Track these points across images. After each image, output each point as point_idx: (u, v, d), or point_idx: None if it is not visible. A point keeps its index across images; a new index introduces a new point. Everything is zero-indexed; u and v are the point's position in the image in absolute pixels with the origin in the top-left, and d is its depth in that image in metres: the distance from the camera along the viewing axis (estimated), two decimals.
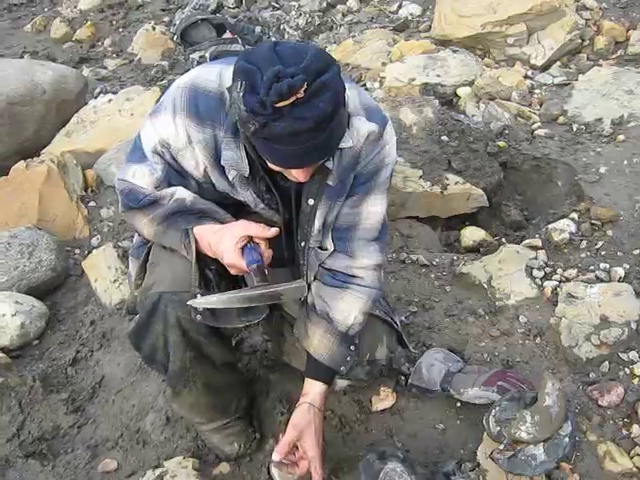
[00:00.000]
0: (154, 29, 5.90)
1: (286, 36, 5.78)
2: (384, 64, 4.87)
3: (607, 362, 2.52)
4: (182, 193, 1.86)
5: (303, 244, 1.98)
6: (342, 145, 1.73)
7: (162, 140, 1.82)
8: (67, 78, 4.54)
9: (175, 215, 1.87)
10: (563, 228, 3.14)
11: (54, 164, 3.61)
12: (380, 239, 2.04)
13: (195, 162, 1.84)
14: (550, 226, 3.20)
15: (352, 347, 2.09)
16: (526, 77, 4.64)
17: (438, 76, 4.49)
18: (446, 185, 3.38)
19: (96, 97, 4.66)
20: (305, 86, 1.46)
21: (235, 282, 1.97)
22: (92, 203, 3.68)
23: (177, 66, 5.48)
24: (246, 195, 1.89)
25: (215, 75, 1.78)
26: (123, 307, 2.96)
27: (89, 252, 3.34)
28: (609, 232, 3.13)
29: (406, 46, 5.06)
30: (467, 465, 2.20)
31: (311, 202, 1.88)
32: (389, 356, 2.30)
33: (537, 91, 4.47)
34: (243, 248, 1.81)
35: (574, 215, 3.26)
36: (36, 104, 4.25)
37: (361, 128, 1.81)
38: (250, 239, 1.82)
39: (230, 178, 1.84)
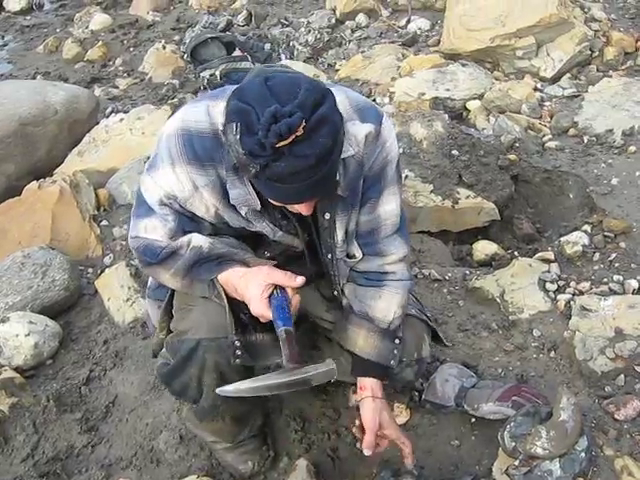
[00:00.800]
0: (164, 48, 5.94)
1: (295, 53, 5.81)
2: (393, 79, 4.88)
3: (622, 375, 2.50)
4: (198, 240, 1.82)
5: (330, 256, 1.96)
6: (344, 155, 1.69)
7: (167, 193, 1.77)
8: (79, 98, 4.57)
9: (195, 266, 1.84)
10: (576, 240, 3.13)
11: (66, 184, 3.63)
12: (401, 229, 2.01)
13: (205, 207, 1.79)
14: (563, 239, 3.19)
15: (397, 340, 2.08)
16: (536, 89, 4.64)
17: (448, 90, 4.50)
18: (457, 199, 3.38)
19: (107, 116, 4.70)
20: (303, 123, 1.42)
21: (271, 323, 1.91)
22: (104, 222, 3.69)
23: (187, 84, 5.50)
24: (263, 227, 1.85)
25: (203, 114, 1.72)
26: (136, 326, 2.98)
27: (102, 271, 3.36)
28: (622, 244, 3.12)
29: (415, 61, 5.07)
30: None
31: (327, 216, 1.85)
32: (431, 353, 2.32)
33: (547, 103, 4.47)
34: (270, 296, 1.80)
35: (586, 227, 3.25)
36: (48, 124, 4.28)
37: (358, 133, 1.77)
38: (276, 286, 1.81)
39: (243, 214, 1.80)
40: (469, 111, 4.44)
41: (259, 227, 1.85)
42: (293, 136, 1.41)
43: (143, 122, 4.34)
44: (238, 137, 1.46)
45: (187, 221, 1.83)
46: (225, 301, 1.86)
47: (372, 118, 1.81)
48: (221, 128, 1.64)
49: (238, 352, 1.86)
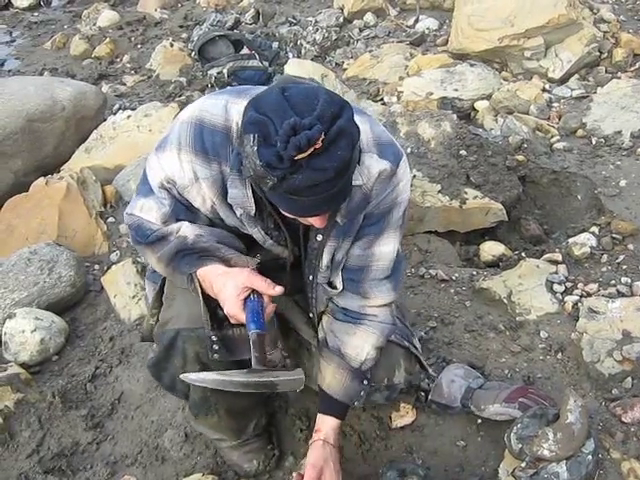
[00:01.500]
0: (172, 45, 5.93)
1: (303, 51, 5.80)
2: (401, 78, 4.88)
3: (630, 378, 2.49)
4: (185, 230, 1.80)
5: (311, 278, 1.95)
6: (353, 183, 1.65)
7: (167, 177, 1.77)
8: (86, 94, 4.57)
9: (178, 255, 1.83)
10: (584, 242, 3.13)
11: (73, 180, 3.63)
12: (393, 276, 1.98)
13: (202, 199, 1.78)
14: (570, 240, 3.18)
15: (365, 382, 2.08)
16: (544, 90, 4.63)
17: (456, 90, 4.49)
18: (465, 199, 3.37)
19: (115, 113, 4.70)
20: (323, 136, 1.40)
21: None
22: (111, 219, 3.69)
23: (195, 82, 5.50)
24: (254, 232, 1.84)
25: (221, 108, 1.72)
26: (142, 322, 2.96)
27: (108, 268, 3.35)
28: (630, 246, 3.11)
29: (423, 60, 5.07)
30: None
31: (319, 238, 1.83)
32: (408, 379, 2.27)
33: (555, 104, 4.47)
34: (245, 299, 1.78)
35: (594, 229, 3.24)
36: (56, 120, 4.28)
37: (372, 166, 1.74)
38: (253, 290, 1.79)
39: (237, 215, 1.80)
40: (477, 111, 4.44)
41: (251, 231, 1.84)
42: (312, 149, 1.39)
43: (150, 119, 4.34)
44: (255, 149, 1.43)
45: (183, 209, 1.82)
46: (200, 296, 1.84)
47: (391, 156, 1.78)
48: (234, 127, 1.66)
49: (215, 347, 1.87)
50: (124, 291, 3.11)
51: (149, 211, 1.82)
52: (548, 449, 2.06)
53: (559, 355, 2.66)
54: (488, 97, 4.49)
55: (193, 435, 2.48)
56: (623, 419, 2.38)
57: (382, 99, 4.61)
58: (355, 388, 2.06)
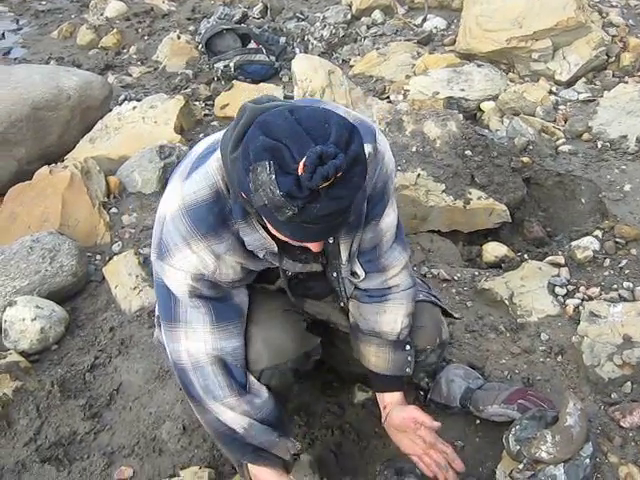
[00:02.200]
0: (179, 38, 5.92)
1: (310, 47, 5.79)
2: (408, 77, 4.86)
3: (630, 383, 2.48)
4: (233, 421, 1.88)
5: (335, 275, 1.96)
6: None
7: (194, 275, 1.72)
8: (92, 84, 4.56)
9: (226, 438, 1.95)
10: (586, 246, 3.12)
11: (77, 170, 3.63)
12: (398, 238, 2.00)
13: (232, 270, 1.76)
14: (573, 243, 3.18)
15: (408, 347, 2.11)
16: (551, 93, 4.61)
17: (462, 90, 4.48)
18: (469, 200, 3.36)
19: (120, 104, 4.68)
20: (345, 164, 1.36)
21: None
22: (114, 210, 3.69)
23: (201, 75, 5.49)
24: (283, 264, 1.84)
25: (199, 180, 1.65)
26: (143, 314, 2.98)
27: (110, 258, 3.35)
28: (633, 251, 3.11)
29: (430, 59, 5.05)
30: None
31: (331, 240, 1.83)
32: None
33: (562, 107, 4.45)
34: None
35: (598, 233, 3.24)
36: (61, 109, 4.27)
37: None
38: None
39: (261, 256, 1.77)
40: (483, 112, 4.43)
41: (280, 265, 1.84)
42: (333, 177, 1.35)
43: (156, 111, 4.33)
44: (273, 177, 1.35)
45: (219, 306, 1.82)
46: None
47: (368, 135, 1.73)
48: (221, 184, 1.62)
49: None
50: (125, 282, 3.11)
51: (195, 336, 1.81)
52: (546, 451, 2.05)
53: (559, 358, 2.65)
54: (494, 98, 4.47)
55: (191, 428, 2.48)
56: (622, 424, 2.38)
57: (388, 97, 4.59)
58: (401, 358, 2.09)
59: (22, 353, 2.81)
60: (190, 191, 1.65)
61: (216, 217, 1.65)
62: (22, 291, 3.02)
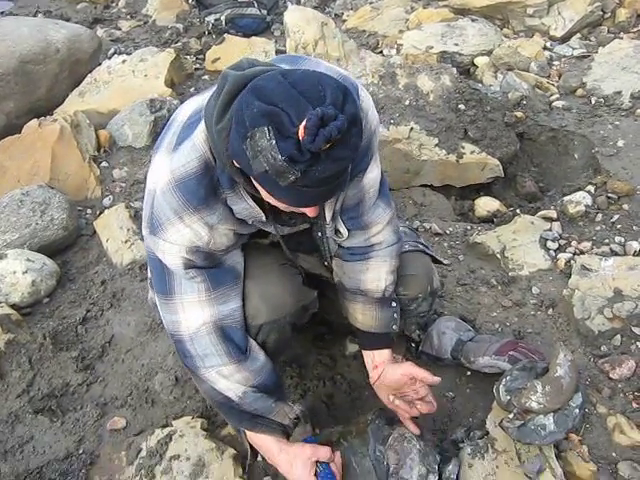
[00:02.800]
0: None
1: (302, 1, 5.71)
2: (401, 32, 4.82)
3: (619, 336, 2.50)
4: (228, 389, 1.89)
5: (320, 234, 1.96)
6: None
7: (188, 248, 1.70)
8: (81, 37, 4.49)
9: (223, 406, 1.97)
10: (579, 200, 3.12)
11: (67, 123, 3.58)
12: (382, 193, 1.96)
13: (226, 237, 1.75)
14: (565, 198, 3.18)
15: (393, 303, 2.10)
16: (545, 48, 4.59)
17: (456, 45, 4.44)
18: (462, 154, 3.35)
19: (110, 58, 4.62)
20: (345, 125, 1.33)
21: None
22: (104, 163, 3.66)
23: (192, 29, 5.41)
24: (271, 229, 1.84)
25: (187, 152, 1.62)
26: (134, 267, 2.97)
27: (101, 212, 3.33)
28: (625, 206, 3.11)
29: (424, 14, 5.00)
30: (476, 433, 2.19)
31: None
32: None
33: (556, 63, 4.43)
34: (315, 474, 1.92)
35: (590, 188, 3.24)
36: (49, 63, 4.21)
37: None
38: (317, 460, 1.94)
39: (250, 222, 1.77)
40: (477, 67, 4.40)
41: (268, 229, 1.84)
42: (334, 139, 1.32)
43: (146, 64, 4.28)
44: (274, 142, 1.32)
45: (214, 273, 1.80)
46: (249, 448, 2.11)
47: None
48: (209, 155, 1.58)
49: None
50: (117, 235, 3.09)
51: (191, 307, 1.80)
52: (536, 401, 2.07)
53: (550, 311, 2.67)
54: (488, 53, 4.44)
55: (183, 379, 2.49)
56: (611, 375, 2.40)
57: (381, 52, 4.55)
58: (387, 315, 2.09)
59: (13, 306, 2.80)
60: (179, 164, 1.61)
61: (206, 189, 1.62)
62: (13, 244, 3.01)
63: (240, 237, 1.83)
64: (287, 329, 1.97)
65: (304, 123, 1.30)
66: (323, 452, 1.92)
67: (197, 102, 1.68)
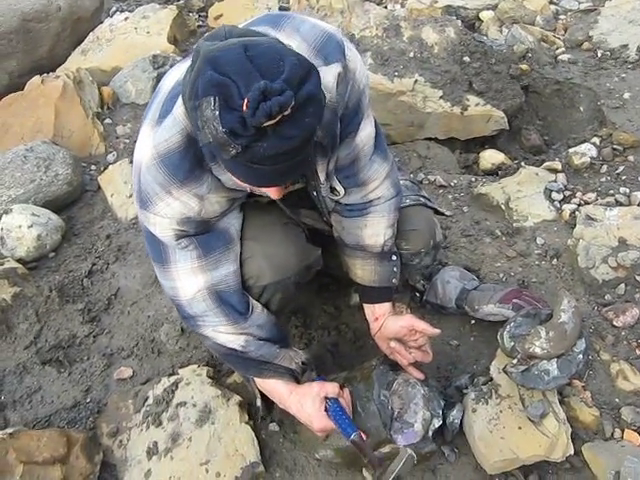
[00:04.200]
0: None
1: None
2: None
3: (623, 285, 2.51)
4: (228, 341, 1.89)
5: (315, 194, 1.93)
6: None
7: (179, 220, 1.67)
8: None
9: (229, 356, 1.97)
10: (584, 152, 3.11)
11: (70, 79, 3.57)
12: (378, 148, 1.92)
13: (218, 204, 1.71)
14: (571, 150, 3.16)
15: (393, 257, 2.10)
16: (551, 2, 4.52)
17: None
18: (466, 106, 3.33)
19: (111, 16, 4.58)
20: (293, 102, 1.28)
21: None
22: (108, 120, 3.65)
23: None
24: (262, 194, 1.79)
25: (169, 127, 1.57)
26: (138, 221, 2.97)
27: (105, 168, 3.33)
28: (630, 157, 3.10)
29: None
30: (480, 379, 2.21)
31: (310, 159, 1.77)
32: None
33: (562, 16, 4.38)
34: (325, 410, 1.92)
35: (595, 140, 3.22)
36: (51, 21, 4.18)
37: (326, 79, 1.60)
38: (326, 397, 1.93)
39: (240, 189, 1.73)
40: (482, 21, 4.33)
41: (259, 193, 1.79)
42: (280, 115, 1.27)
43: (149, 21, 4.24)
44: (217, 113, 1.28)
45: (205, 239, 1.77)
46: (258, 394, 2.15)
47: (336, 54, 1.65)
48: (190, 128, 1.54)
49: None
50: (121, 190, 3.10)
51: (186, 275, 1.79)
52: (540, 347, 2.08)
53: (554, 261, 2.67)
54: (494, 7, 4.37)
55: (189, 330, 2.50)
56: (614, 323, 2.42)
57: (386, 7, 4.49)
58: (387, 270, 2.08)
59: (19, 260, 2.82)
60: (162, 139, 1.57)
61: (191, 162, 1.59)
62: (18, 200, 3.02)
63: (235, 201, 1.80)
64: (291, 288, 1.97)
65: (247, 96, 1.26)
66: (331, 388, 1.93)
67: (181, 71, 1.63)
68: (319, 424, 1.91)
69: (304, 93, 1.30)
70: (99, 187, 3.24)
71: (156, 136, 1.58)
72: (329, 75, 1.62)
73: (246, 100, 1.25)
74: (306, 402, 1.92)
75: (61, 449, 2.06)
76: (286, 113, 1.27)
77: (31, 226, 2.84)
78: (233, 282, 1.84)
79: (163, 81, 1.70)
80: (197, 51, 1.39)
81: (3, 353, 2.53)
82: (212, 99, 1.28)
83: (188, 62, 1.47)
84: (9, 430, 2.09)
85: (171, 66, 3.61)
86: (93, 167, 3.41)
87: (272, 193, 1.56)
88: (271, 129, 1.28)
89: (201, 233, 1.76)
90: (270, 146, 1.31)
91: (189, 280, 1.79)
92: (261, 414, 2.21)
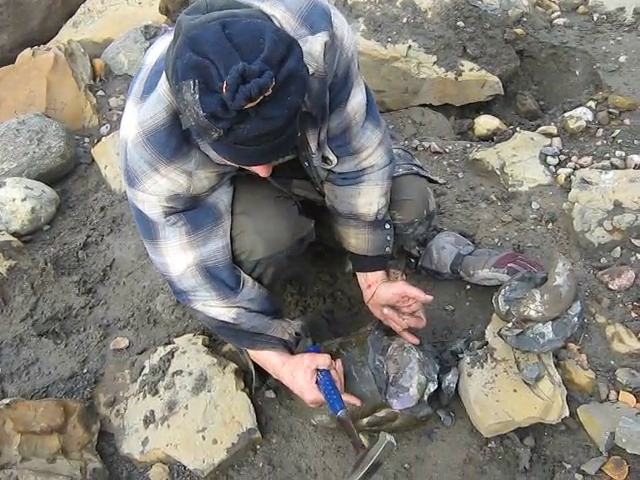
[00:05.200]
0: None
1: None
2: None
3: (619, 247, 2.50)
4: (219, 314, 1.88)
5: (307, 164, 1.91)
6: None
7: (167, 197, 1.65)
8: None
9: (221, 329, 1.97)
10: (579, 116, 3.09)
11: (61, 52, 3.54)
12: (370, 114, 1.89)
13: (207, 180, 1.69)
14: (566, 114, 3.14)
15: (387, 225, 2.09)
16: None
17: None
18: (461, 71, 3.30)
19: None
20: (273, 82, 1.24)
21: None
22: (100, 92, 3.62)
23: None
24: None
25: (154, 104, 1.53)
26: None
27: (98, 141, 3.31)
28: (627, 121, 3.08)
29: None
30: (475, 343, 2.22)
31: (298, 134, 1.68)
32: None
33: None
34: (316, 382, 1.92)
35: (591, 104, 3.20)
36: None
37: (313, 48, 1.57)
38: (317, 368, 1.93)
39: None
40: None
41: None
42: (261, 97, 1.24)
43: None
44: (197, 97, 1.26)
45: (194, 214, 1.75)
46: (251, 365, 2.17)
47: (322, 23, 1.60)
48: (175, 103, 1.49)
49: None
50: (115, 162, 3.07)
51: (175, 251, 1.77)
52: (535, 310, 2.08)
53: (550, 225, 2.66)
54: None
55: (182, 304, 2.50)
56: (610, 286, 2.42)
57: None
58: (380, 238, 2.08)
59: (15, 234, 2.81)
60: (147, 116, 1.53)
61: (178, 138, 1.56)
62: (11, 173, 3.00)
63: (224, 175, 1.78)
64: (284, 262, 1.96)
65: (226, 79, 1.23)
66: (322, 359, 1.93)
67: (164, 44, 1.58)
68: (310, 396, 1.92)
69: (285, 71, 1.27)
70: (93, 159, 3.22)
71: (141, 113, 1.55)
72: (316, 45, 1.58)
73: (225, 83, 1.22)
74: (298, 373, 1.93)
75: (58, 419, 2.07)
76: (267, 94, 1.24)
77: (25, 199, 2.83)
78: (222, 258, 1.82)
79: (146, 56, 1.65)
80: (178, 25, 1.36)
81: (0, 326, 2.53)
82: (192, 82, 1.26)
83: (171, 36, 1.43)
84: (6, 400, 2.10)
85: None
86: (87, 139, 3.39)
87: (259, 171, 1.55)
88: (253, 111, 1.26)
89: (190, 209, 1.74)
90: (253, 127, 1.29)
91: (178, 256, 1.78)
92: (255, 385, 2.21)
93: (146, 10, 4.08)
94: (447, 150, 3.09)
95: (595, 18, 3.87)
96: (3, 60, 3.83)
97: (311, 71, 1.56)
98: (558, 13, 3.94)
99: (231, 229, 1.85)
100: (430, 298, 2.05)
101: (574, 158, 2.91)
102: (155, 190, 1.62)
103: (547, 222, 2.67)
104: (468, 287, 2.46)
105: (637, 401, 2.12)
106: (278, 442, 2.13)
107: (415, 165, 2.25)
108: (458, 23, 3.41)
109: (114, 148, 3.12)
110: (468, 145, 3.13)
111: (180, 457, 2.07)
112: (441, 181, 2.53)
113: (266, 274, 1.94)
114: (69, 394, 2.30)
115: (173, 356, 2.26)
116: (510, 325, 2.12)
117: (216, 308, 1.87)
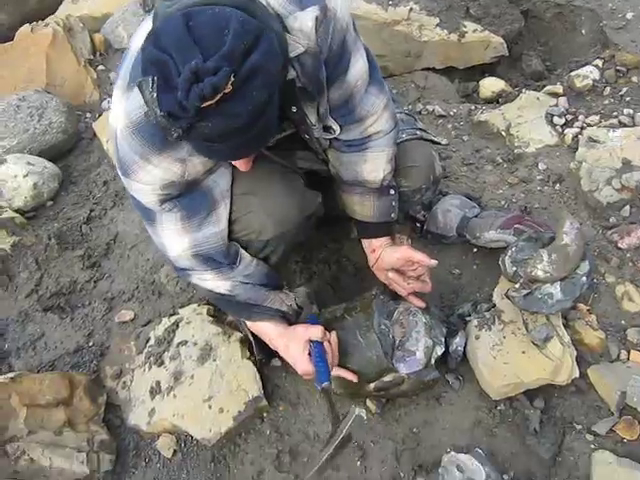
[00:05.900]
0: None
1: None
2: None
3: (628, 206, 2.46)
4: (216, 286, 1.88)
5: (307, 136, 1.86)
6: (294, 53, 1.50)
7: (162, 185, 1.61)
8: None
9: (219, 301, 1.98)
10: (586, 74, 3.03)
11: (60, 27, 3.50)
12: (373, 80, 1.83)
13: (202, 165, 1.64)
14: (573, 73, 3.07)
15: (392, 191, 2.05)
16: None
17: None
18: (464, 33, 3.24)
19: None
20: (232, 78, 1.18)
21: None
22: (101, 67, 3.59)
23: None
24: None
25: (139, 97, 1.39)
26: None
27: (100, 116, 3.29)
28: (634, 78, 3.01)
29: None
30: (482, 306, 2.19)
31: (294, 109, 1.70)
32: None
33: None
34: (309, 353, 1.91)
35: (598, 62, 3.13)
36: None
37: (304, 25, 1.51)
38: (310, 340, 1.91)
39: None
40: None
41: None
42: (219, 95, 1.19)
43: None
44: (155, 95, 1.21)
45: (188, 200, 1.71)
46: (251, 337, 2.16)
47: None
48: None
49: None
50: None
51: (171, 235, 1.76)
52: (542, 270, 2.05)
53: (557, 186, 2.62)
54: None
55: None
56: (619, 245, 2.38)
57: None
58: (386, 204, 2.04)
59: (18, 210, 2.81)
60: (134, 107, 1.50)
61: None
62: (12, 150, 2.99)
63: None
64: (294, 240, 1.95)
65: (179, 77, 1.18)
66: (315, 331, 1.90)
67: (147, 30, 1.47)
68: (301, 367, 1.90)
69: (249, 65, 1.21)
70: (94, 134, 3.20)
71: (128, 103, 1.52)
72: (307, 20, 1.51)
73: (179, 82, 1.17)
74: (292, 345, 1.92)
75: (64, 391, 2.07)
76: (227, 90, 1.19)
77: (27, 175, 2.82)
78: (217, 242, 1.80)
79: (132, 40, 1.61)
80: (155, 14, 1.32)
81: (5, 302, 2.53)
82: (150, 79, 1.21)
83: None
84: (11, 374, 2.10)
85: None
86: (88, 114, 3.37)
87: (238, 165, 1.53)
88: (213, 108, 1.21)
89: (185, 194, 1.70)
90: (215, 125, 1.25)
91: (174, 240, 1.77)
92: (258, 357, 2.19)
93: None
94: (451, 113, 3.04)
95: None
96: (2, 39, 3.79)
97: (302, 50, 1.52)
98: None
99: (238, 210, 1.81)
100: (435, 262, 2.02)
101: (581, 117, 2.86)
102: (149, 180, 1.59)
103: (554, 183, 2.62)
104: (475, 250, 2.42)
105: None
106: (285, 409, 2.13)
107: (419, 129, 2.20)
108: None
109: None
110: (473, 107, 3.08)
111: (187, 427, 2.07)
112: (444, 142, 2.48)
113: (276, 252, 1.92)
114: (75, 367, 2.30)
115: (178, 327, 2.25)
116: (517, 286, 2.09)
117: (211, 281, 1.86)
